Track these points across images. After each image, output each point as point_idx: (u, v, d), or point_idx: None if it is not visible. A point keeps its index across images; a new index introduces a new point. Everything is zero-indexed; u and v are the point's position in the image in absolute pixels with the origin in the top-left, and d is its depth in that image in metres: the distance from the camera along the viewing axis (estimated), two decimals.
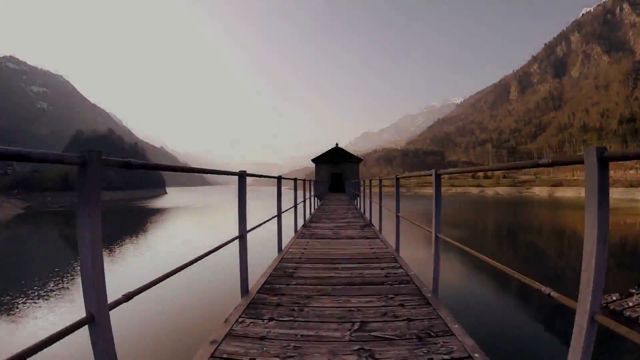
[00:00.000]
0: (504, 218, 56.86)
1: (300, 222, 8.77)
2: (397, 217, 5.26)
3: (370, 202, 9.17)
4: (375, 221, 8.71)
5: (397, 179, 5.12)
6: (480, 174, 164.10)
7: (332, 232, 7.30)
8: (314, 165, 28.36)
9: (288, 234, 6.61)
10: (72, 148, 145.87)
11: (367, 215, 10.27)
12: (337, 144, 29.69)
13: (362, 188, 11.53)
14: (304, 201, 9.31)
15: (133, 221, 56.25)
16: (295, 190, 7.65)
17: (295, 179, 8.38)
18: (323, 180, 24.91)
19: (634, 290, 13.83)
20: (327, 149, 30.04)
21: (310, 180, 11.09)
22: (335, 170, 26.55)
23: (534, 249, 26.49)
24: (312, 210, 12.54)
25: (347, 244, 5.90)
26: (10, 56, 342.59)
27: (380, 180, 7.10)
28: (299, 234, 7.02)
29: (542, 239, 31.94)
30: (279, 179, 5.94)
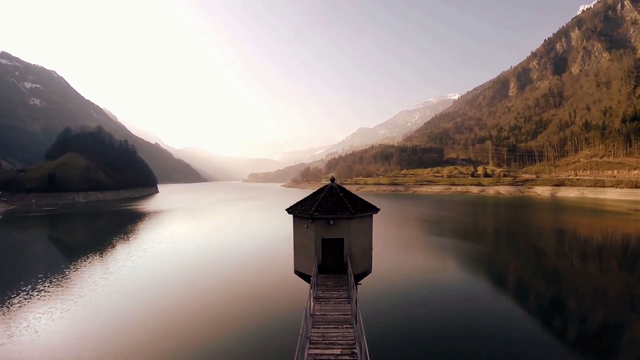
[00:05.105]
0: (509, 226, 53.84)
1: None
2: None
3: None
4: None
5: None
6: (481, 171, 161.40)
7: None
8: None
9: None
10: (60, 145, 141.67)
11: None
12: (332, 179, 16.97)
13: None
14: None
15: (114, 229, 52.98)
16: None
17: None
18: (307, 248, 14.25)
19: None
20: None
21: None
22: (330, 235, 13.89)
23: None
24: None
25: None
26: (3, 52, 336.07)
27: None
28: None
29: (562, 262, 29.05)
30: None
